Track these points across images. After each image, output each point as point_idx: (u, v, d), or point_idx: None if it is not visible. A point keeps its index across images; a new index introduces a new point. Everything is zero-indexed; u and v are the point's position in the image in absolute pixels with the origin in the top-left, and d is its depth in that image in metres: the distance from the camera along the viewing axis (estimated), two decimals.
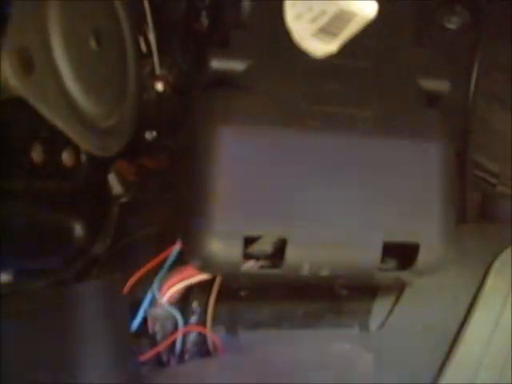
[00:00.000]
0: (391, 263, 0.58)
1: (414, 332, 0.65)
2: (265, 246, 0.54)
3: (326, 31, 0.53)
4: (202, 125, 0.55)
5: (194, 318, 0.62)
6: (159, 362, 0.60)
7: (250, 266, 0.55)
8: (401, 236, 0.56)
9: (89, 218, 0.56)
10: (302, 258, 0.54)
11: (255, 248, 0.54)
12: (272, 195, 0.54)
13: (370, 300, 0.66)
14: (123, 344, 0.55)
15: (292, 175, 0.54)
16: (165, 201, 0.65)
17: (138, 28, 0.64)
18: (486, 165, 0.72)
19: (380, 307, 0.66)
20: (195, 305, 0.62)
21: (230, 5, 0.58)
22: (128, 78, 0.60)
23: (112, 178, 0.64)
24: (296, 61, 0.56)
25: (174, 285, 0.60)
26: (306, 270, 0.55)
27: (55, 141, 0.50)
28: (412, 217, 0.56)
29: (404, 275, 0.58)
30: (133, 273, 0.59)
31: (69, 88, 0.49)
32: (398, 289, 0.66)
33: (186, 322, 0.61)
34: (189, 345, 0.61)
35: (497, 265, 0.66)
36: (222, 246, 0.53)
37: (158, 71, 0.65)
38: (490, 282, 0.66)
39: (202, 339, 0.62)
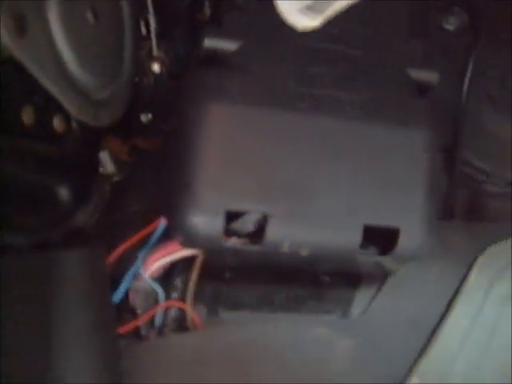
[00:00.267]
0: (372, 249, 0.58)
1: (395, 322, 0.65)
2: (247, 224, 0.55)
3: (312, 9, 0.54)
4: (191, 101, 0.56)
5: (175, 295, 0.62)
6: (138, 336, 0.61)
7: (233, 243, 0.56)
8: (381, 220, 0.56)
9: (75, 185, 0.57)
10: (282, 236, 0.55)
11: (238, 225, 0.55)
12: (256, 173, 0.55)
13: (352, 288, 0.67)
14: (103, 314, 0.55)
15: (277, 155, 0.55)
16: (157, 181, 0.66)
17: (140, 11, 0.66)
18: (476, 163, 0.73)
19: (363, 296, 0.66)
20: (178, 281, 0.63)
21: None
22: (124, 56, 0.61)
23: (105, 157, 0.65)
24: (287, 43, 0.57)
25: (157, 259, 0.60)
26: (285, 248, 0.55)
27: (48, 106, 0.52)
28: (393, 202, 0.57)
29: (385, 260, 0.59)
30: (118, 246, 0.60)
31: (62, 55, 0.51)
32: (381, 279, 0.66)
33: (167, 298, 0.62)
34: (169, 320, 0.62)
35: (480, 261, 0.67)
36: (204, 220, 0.54)
37: (155, 52, 0.67)
38: (473, 277, 0.66)
39: (183, 316, 0.62)
